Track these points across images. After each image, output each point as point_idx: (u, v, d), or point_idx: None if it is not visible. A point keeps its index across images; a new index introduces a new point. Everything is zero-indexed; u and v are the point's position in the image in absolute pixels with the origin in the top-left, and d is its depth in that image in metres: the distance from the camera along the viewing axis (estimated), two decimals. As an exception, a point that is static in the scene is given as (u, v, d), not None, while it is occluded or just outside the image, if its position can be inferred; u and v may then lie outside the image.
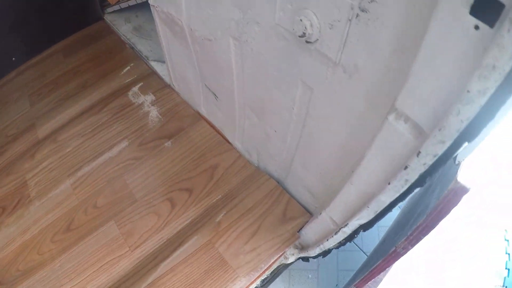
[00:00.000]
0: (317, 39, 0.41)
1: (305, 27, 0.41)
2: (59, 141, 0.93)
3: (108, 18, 1.16)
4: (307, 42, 0.42)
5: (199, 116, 0.90)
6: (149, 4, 0.77)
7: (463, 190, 0.33)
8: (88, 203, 0.80)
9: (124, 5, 1.11)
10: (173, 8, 0.69)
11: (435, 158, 0.33)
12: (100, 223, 0.76)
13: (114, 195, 0.80)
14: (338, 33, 0.38)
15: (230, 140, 0.85)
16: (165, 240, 0.71)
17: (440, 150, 0.32)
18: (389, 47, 0.34)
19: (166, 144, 0.86)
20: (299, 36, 0.42)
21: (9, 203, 0.87)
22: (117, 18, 1.15)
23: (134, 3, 1.08)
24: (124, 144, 0.88)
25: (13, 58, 1.16)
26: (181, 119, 0.91)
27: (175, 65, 0.89)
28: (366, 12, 0.34)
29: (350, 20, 0.36)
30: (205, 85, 0.82)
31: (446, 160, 0.32)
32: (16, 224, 0.81)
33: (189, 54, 0.77)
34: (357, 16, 0.35)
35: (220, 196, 0.76)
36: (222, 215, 0.73)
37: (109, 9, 1.16)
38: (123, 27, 1.13)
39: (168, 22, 0.76)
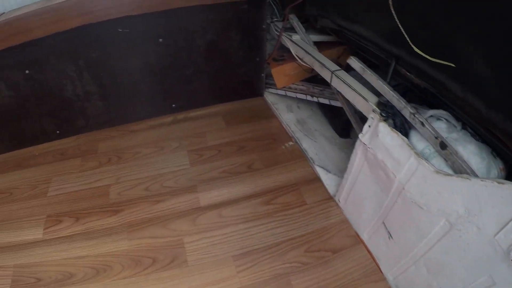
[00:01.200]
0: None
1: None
2: (224, 217, 0.96)
3: (268, 97, 1.24)
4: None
5: (358, 240, 0.98)
6: (310, 100, 0.84)
7: None
8: (250, 290, 0.81)
9: (290, 94, 1.19)
10: (391, 162, 0.73)
11: None
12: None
13: (279, 291, 0.81)
14: None
15: (383, 271, 0.93)
16: None
17: None
18: None
19: (329, 257, 0.93)
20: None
21: (162, 257, 0.89)
22: (278, 101, 1.23)
23: (303, 97, 1.17)
24: (291, 245, 0.94)
25: (173, 105, 1.22)
26: (343, 238, 0.97)
27: (354, 190, 0.94)
28: None
29: None
30: (383, 223, 0.90)
31: None
32: (170, 282, 0.84)
33: (381, 196, 0.80)
34: None
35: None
36: None
37: (271, 90, 1.25)
38: (286, 115, 1.21)
39: (374, 164, 0.79)
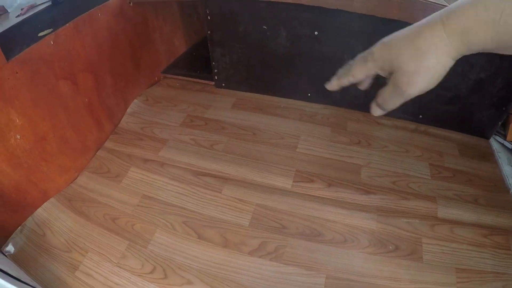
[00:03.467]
0: None
1: None
2: (454, 233, 1.07)
3: (493, 144, 1.37)
4: None
5: None
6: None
7: None
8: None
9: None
10: None
11: None
12: None
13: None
14: None
15: None
16: None
17: None
18: None
19: None
20: None
21: (404, 247, 1.02)
22: (502, 151, 1.37)
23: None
24: (495, 277, 1.08)
25: (420, 116, 1.34)
26: None
27: None
28: None
29: None
30: None
31: None
32: (407, 271, 0.97)
33: None
34: None
35: None
36: None
37: (498, 138, 1.37)
38: (506, 167, 1.35)
39: None
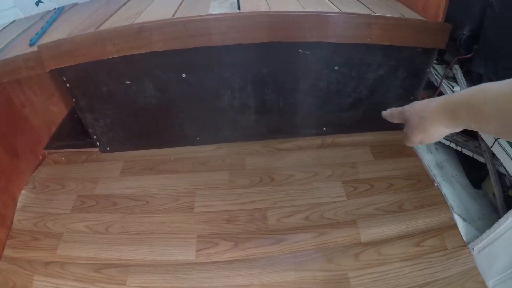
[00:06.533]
0: None
1: None
2: (382, 255, 1.00)
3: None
4: None
5: (484, 286, 1.06)
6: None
7: None
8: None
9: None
10: None
11: None
12: None
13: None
14: None
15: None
16: None
17: None
18: None
19: None
20: None
21: None
22: (419, 141, 1.27)
23: (446, 143, 1.21)
24: (436, 286, 1.00)
25: (324, 128, 1.22)
26: (474, 283, 1.04)
27: (492, 246, 1.03)
28: None
29: None
30: None
31: None
32: None
33: None
34: None
35: None
36: None
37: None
38: (426, 156, 1.24)
39: None
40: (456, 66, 1.18)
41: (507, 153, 0.93)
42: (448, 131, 0.51)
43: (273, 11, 0.96)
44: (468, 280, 1.03)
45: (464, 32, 1.11)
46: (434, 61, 1.23)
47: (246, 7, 1.03)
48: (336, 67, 1.08)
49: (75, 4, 1.42)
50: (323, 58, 1.06)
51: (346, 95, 1.16)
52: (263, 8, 1.02)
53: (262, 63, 1.05)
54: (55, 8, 1.43)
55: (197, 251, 1.02)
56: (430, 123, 0.51)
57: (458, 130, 0.50)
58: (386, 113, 0.65)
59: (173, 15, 1.00)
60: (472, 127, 0.45)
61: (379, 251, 1.01)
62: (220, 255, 1.00)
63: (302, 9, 1.01)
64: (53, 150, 1.41)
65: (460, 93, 0.46)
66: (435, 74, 1.21)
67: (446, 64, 1.23)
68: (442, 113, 0.49)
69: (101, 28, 1.01)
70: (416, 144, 0.59)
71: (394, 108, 0.63)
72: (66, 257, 1.12)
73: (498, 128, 0.39)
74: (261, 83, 1.09)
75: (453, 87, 1.16)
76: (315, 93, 1.14)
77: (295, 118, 1.20)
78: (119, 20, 1.07)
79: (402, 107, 0.60)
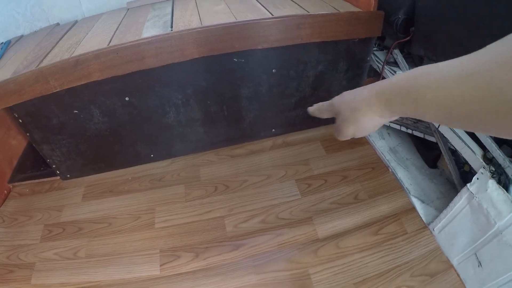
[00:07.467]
0: None
1: None
2: (341, 247, 1.03)
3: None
4: None
5: (449, 265, 1.09)
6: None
7: None
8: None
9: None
10: (494, 212, 0.81)
11: None
12: None
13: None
14: None
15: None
16: None
17: None
18: None
19: (429, 280, 1.01)
20: None
21: None
22: (370, 128, 1.28)
23: (397, 127, 1.22)
24: (399, 271, 1.02)
25: (273, 130, 1.24)
26: (438, 263, 1.08)
27: (451, 225, 1.04)
28: None
29: None
30: (475, 254, 1.02)
31: None
32: None
33: (478, 234, 0.88)
34: None
35: None
36: None
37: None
38: (379, 142, 1.26)
39: (476, 209, 0.87)
40: (396, 51, 1.19)
41: (453, 131, 0.95)
42: (384, 120, 0.46)
43: (199, 27, 0.97)
44: (432, 260, 1.06)
45: (400, 16, 1.11)
46: (375, 48, 1.24)
47: (178, 25, 1.04)
48: (273, 70, 1.10)
49: (21, 36, 1.42)
50: (259, 64, 1.08)
51: (289, 96, 1.17)
52: (195, 23, 1.03)
53: (199, 77, 1.06)
54: (2, 43, 1.44)
55: (161, 265, 1.04)
56: (363, 113, 0.46)
57: (394, 118, 0.45)
58: (313, 109, 0.58)
59: (109, 42, 1.01)
60: (410, 114, 0.40)
61: (338, 244, 1.04)
62: (183, 267, 1.02)
63: (233, 19, 1.02)
64: (17, 183, 1.44)
65: (395, 77, 0.41)
66: (377, 61, 1.22)
67: (387, 49, 1.23)
68: (375, 102, 0.44)
69: (43, 63, 1.02)
70: (349, 138, 0.53)
71: (321, 103, 0.57)
72: (40, 286, 1.14)
73: (442, 115, 0.34)
74: (202, 95, 1.11)
75: (395, 71, 1.17)
76: (259, 97, 1.15)
77: (242, 124, 1.22)
78: (60, 51, 1.08)
79: (331, 100, 0.54)
